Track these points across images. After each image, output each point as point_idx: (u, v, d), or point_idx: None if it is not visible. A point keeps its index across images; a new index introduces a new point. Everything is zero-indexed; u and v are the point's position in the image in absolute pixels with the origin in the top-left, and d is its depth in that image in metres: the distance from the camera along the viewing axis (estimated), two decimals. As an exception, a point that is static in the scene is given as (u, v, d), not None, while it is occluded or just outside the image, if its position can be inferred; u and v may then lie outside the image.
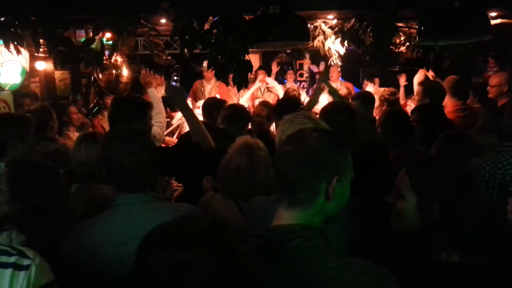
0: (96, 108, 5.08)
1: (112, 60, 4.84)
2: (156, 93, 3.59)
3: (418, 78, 5.02)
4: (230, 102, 6.16)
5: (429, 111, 3.37)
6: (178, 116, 5.41)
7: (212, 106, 3.70)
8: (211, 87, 6.28)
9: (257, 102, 5.50)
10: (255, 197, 1.84)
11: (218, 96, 5.33)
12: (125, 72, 5.01)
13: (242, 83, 2.88)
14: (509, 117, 2.00)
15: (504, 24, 4.29)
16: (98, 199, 2.03)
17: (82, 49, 3.25)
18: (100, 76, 4.91)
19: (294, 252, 1.02)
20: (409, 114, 3.44)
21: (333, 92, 3.34)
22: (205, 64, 6.28)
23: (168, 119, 5.22)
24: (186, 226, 0.99)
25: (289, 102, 3.60)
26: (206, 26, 2.88)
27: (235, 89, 6.54)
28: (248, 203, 1.87)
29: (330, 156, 1.09)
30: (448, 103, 4.09)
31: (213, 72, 6.21)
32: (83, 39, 3.56)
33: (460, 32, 3.36)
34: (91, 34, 3.02)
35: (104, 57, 4.64)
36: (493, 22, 4.03)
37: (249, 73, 2.99)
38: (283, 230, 1.06)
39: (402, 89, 5.77)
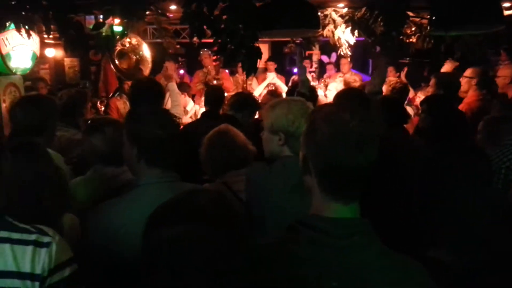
0: (118, 93, 5.09)
1: (128, 45, 4.80)
2: (176, 87, 3.63)
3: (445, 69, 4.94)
4: (233, 89, 6.24)
5: (438, 102, 3.34)
6: (191, 104, 5.46)
7: (212, 94, 3.73)
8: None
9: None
10: (256, 163, 1.89)
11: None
12: (146, 54, 4.95)
13: (251, 70, 2.87)
14: None
15: (516, 15, 4.22)
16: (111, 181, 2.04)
17: (92, 36, 3.25)
18: (118, 62, 4.89)
19: (353, 247, 0.98)
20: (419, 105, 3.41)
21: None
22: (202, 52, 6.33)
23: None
24: (186, 201, 1.01)
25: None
26: (216, 13, 2.87)
27: (240, 77, 6.61)
28: (249, 170, 1.91)
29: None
30: (471, 92, 4.05)
31: (212, 59, 6.31)
32: (91, 26, 3.57)
33: (472, 22, 3.32)
34: (101, 20, 3.02)
35: (119, 44, 4.66)
36: (506, 13, 3.98)
37: (259, 60, 2.98)
38: (342, 224, 1.00)
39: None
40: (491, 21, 3.43)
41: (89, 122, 2.52)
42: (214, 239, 0.93)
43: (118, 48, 4.85)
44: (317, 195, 1.03)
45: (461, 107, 3.86)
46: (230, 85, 6.40)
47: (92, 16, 4.44)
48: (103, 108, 5.47)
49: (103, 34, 3.26)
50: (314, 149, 1.01)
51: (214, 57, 6.39)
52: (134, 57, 5.03)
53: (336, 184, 1.00)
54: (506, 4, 3.87)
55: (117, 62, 4.94)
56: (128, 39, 4.88)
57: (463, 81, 4.17)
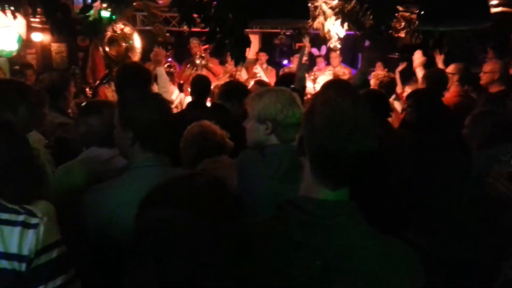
0: (107, 78, 5.04)
1: (119, 32, 4.76)
2: (164, 72, 3.59)
3: (417, 60, 4.96)
4: (222, 74, 6.23)
5: (424, 97, 3.38)
6: (176, 92, 5.43)
7: (198, 83, 3.72)
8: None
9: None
10: (247, 150, 1.92)
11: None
12: (137, 43, 4.93)
13: (240, 58, 2.86)
14: None
15: (504, 13, 4.27)
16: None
17: (80, 21, 3.21)
18: (108, 49, 4.84)
19: (338, 228, 1.01)
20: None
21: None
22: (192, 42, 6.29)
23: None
24: (179, 185, 1.00)
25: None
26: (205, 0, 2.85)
27: (229, 66, 6.60)
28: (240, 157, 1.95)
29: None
30: (452, 88, 4.11)
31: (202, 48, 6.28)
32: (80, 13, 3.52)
33: (461, 18, 3.36)
34: (89, 3, 2.98)
35: (110, 30, 4.61)
36: (493, 10, 4.02)
37: (248, 49, 2.98)
38: (327, 205, 1.02)
39: (397, 75, 5.76)
40: (478, 17, 3.47)
41: (84, 104, 2.49)
42: (198, 229, 0.92)
43: (109, 33, 4.80)
44: (308, 176, 1.06)
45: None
46: (220, 70, 6.38)
47: (81, 0, 4.39)
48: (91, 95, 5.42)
49: (90, 19, 3.21)
50: (310, 131, 1.03)
51: (204, 46, 6.36)
52: (124, 44, 4.99)
53: (326, 168, 1.02)
54: (494, 2, 3.91)
55: (107, 48, 4.90)
56: (120, 26, 4.84)
57: None
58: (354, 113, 0.98)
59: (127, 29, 4.92)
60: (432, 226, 1.37)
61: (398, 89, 5.33)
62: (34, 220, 1.17)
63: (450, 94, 4.09)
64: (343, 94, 1.03)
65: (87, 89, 5.50)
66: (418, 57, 4.65)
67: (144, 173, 1.54)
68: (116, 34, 4.89)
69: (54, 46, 7.82)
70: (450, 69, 4.19)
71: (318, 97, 1.05)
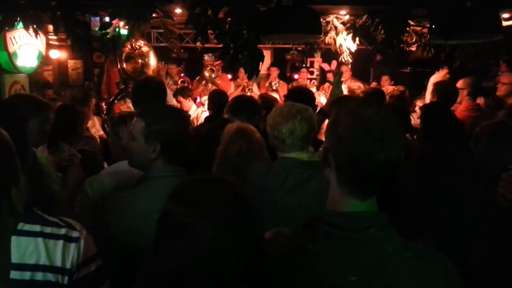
0: (122, 94, 5.16)
1: (137, 50, 4.90)
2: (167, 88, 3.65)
3: (435, 78, 4.99)
4: (230, 91, 6.32)
5: (431, 109, 3.40)
6: (194, 107, 5.53)
7: (215, 98, 3.78)
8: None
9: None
10: (255, 163, 1.93)
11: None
12: (152, 61, 5.07)
13: (254, 72, 2.93)
14: None
15: (516, 26, 4.29)
16: None
17: (97, 38, 3.32)
18: (125, 65, 4.98)
19: (369, 241, 0.98)
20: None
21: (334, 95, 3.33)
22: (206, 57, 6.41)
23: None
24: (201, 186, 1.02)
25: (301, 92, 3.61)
26: (220, 15, 2.93)
27: (241, 81, 6.70)
28: (248, 169, 1.95)
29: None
30: (463, 103, 4.11)
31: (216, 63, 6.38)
32: (97, 29, 3.64)
33: (471, 31, 3.39)
34: (108, 20, 3.08)
35: (128, 47, 4.75)
36: (505, 23, 4.05)
37: (261, 63, 3.04)
38: (356, 218, 0.99)
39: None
40: (489, 30, 3.50)
41: (115, 116, 2.57)
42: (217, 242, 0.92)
43: (127, 50, 4.94)
44: (335, 188, 1.04)
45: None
46: (228, 86, 6.47)
47: (98, 19, 4.54)
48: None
49: (108, 36, 3.32)
50: (335, 142, 1.01)
51: (217, 62, 6.47)
52: (140, 61, 5.12)
53: (354, 178, 1.00)
54: (505, 15, 3.94)
55: (124, 64, 5.03)
56: (138, 44, 4.98)
57: None
58: (380, 120, 0.97)
59: (145, 48, 5.06)
60: (440, 232, 1.38)
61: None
62: (75, 234, 1.18)
63: (460, 109, 4.08)
64: (366, 103, 1.03)
65: (103, 104, 5.62)
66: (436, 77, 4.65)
67: (162, 183, 1.56)
68: (133, 51, 5.02)
69: (71, 63, 8.01)
70: (460, 84, 4.20)
71: (341, 107, 1.05)
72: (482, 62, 4.46)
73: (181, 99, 5.40)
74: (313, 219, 1.04)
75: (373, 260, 0.96)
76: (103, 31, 3.03)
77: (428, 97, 4.16)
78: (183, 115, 1.70)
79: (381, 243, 0.98)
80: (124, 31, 4.04)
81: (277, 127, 1.84)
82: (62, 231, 1.16)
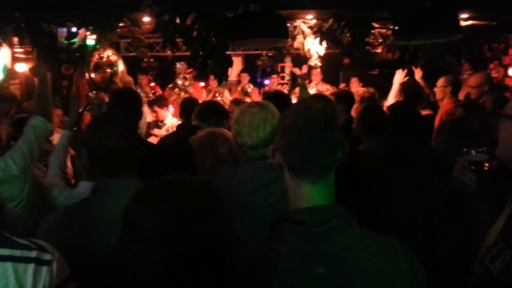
0: (89, 105, 5.09)
1: (105, 59, 4.86)
2: None
3: (397, 80, 5.12)
4: (206, 99, 6.33)
5: (399, 109, 3.50)
6: (169, 117, 5.51)
7: (187, 105, 3.78)
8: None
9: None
10: (222, 168, 1.92)
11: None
12: (121, 67, 5.03)
13: (223, 77, 2.96)
14: None
15: (475, 26, 4.48)
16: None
17: (64, 49, 3.29)
18: (93, 75, 4.92)
19: (331, 233, 1.01)
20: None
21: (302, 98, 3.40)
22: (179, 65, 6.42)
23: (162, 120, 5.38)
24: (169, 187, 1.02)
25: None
26: (188, 22, 2.96)
27: (213, 88, 6.72)
28: (215, 173, 1.96)
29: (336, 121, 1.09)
30: (445, 100, 4.20)
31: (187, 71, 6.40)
32: (65, 41, 3.60)
33: (432, 31, 3.53)
34: (74, 30, 3.06)
35: (96, 57, 4.72)
36: (464, 23, 4.23)
37: (230, 69, 3.08)
38: (317, 212, 1.02)
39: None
40: (449, 30, 3.65)
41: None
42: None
43: (95, 60, 4.89)
44: (289, 183, 1.08)
45: (439, 114, 4.02)
46: (200, 95, 6.47)
47: (65, 29, 4.49)
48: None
49: (75, 46, 3.29)
50: (279, 134, 1.08)
51: (189, 70, 6.47)
52: (108, 70, 5.08)
53: (296, 160, 1.05)
54: (464, 16, 4.11)
55: (92, 74, 4.98)
56: (106, 53, 4.94)
57: (438, 90, 4.34)
58: (321, 111, 1.04)
59: (113, 57, 5.02)
60: (401, 229, 1.43)
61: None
62: (46, 256, 1.12)
63: (446, 106, 4.16)
64: (310, 100, 1.11)
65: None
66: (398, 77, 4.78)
67: (110, 195, 1.56)
68: (101, 61, 4.98)
69: (39, 76, 7.85)
70: (441, 82, 4.31)
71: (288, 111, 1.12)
72: (445, 61, 4.62)
73: (157, 109, 5.38)
74: (277, 220, 1.07)
75: (337, 250, 1.00)
76: (69, 41, 3.01)
77: (391, 97, 4.27)
78: (125, 127, 1.62)
79: (343, 234, 1.01)
80: (91, 42, 4.01)
81: (241, 129, 1.85)
82: (33, 253, 1.10)
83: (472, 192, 1.35)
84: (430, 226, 1.83)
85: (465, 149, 1.37)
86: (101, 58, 4.79)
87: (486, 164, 1.36)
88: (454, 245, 1.81)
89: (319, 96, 3.70)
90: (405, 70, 4.31)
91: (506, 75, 7.26)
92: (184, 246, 0.91)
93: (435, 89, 4.29)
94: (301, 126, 1.04)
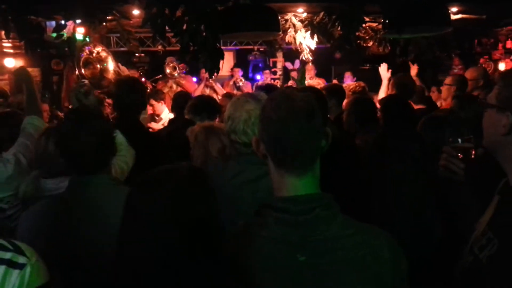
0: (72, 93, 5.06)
1: (95, 54, 4.83)
2: None
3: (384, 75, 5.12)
4: (193, 91, 6.31)
5: (390, 102, 3.52)
6: (166, 111, 5.48)
7: (179, 100, 3.77)
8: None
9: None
10: (211, 161, 1.91)
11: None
12: (110, 66, 5.01)
13: (214, 70, 2.94)
14: None
15: (465, 20, 4.50)
16: None
17: (54, 44, 3.25)
18: (83, 71, 4.89)
19: (315, 222, 1.01)
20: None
21: None
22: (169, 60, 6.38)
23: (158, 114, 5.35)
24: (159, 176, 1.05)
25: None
26: (178, 14, 2.93)
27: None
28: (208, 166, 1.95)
29: (321, 112, 1.07)
30: (449, 100, 4.20)
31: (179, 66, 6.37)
32: (54, 34, 3.57)
33: (422, 25, 3.54)
34: (62, 22, 3.03)
35: (86, 52, 4.69)
36: (454, 17, 4.24)
37: (221, 61, 3.06)
38: (301, 201, 1.03)
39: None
40: (439, 23, 3.67)
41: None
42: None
43: (85, 55, 4.86)
44: (274, 174, 1.08)
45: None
46: (191, 87, 6.44)
47: (53, 23, 4.44)
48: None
49: (64, 38, 3.25)
50: (263, 125, 1.07)
51: (181, 65, 6.43)
52: (98, 66, 5.05)
53: (280, 154, 1.04)
54: (454, 9, 4.13)
55: (82, 70, 4.94)
56: (98, 49, 4.91)
57: (443, 88, 4.36)
58: (300, 102, 1.03)
59: (103, 53, 4.99)
60: (388, 215, 1.44)
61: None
62: (21, 260, 1.04)
63: (448, 106, 4.17)
64: (291, 91, 1.09)
65: (59, 113, 5.48)
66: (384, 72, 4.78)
67: (80, 193, 1.56)
68: (91, 57, 4.95)
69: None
70: (448, 80, 4.32)
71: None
72: (435, 55, 4.64)
73: (154, 102, 5.33)
74: (262, 206, 1.07)
75: (320, 239, 1.00)
76: (58, 33, 2.97)
77: (382, 91, 4.28)
78: (92, 122, 1.58)
79: (327, 222, 1.02)
80: (79, 36, 3.97)
81: (236, 127, 1.83)
82: (8, 255, 1.04)
83: (460, 180, 1.36)
84: (422, 218, 1.84)
85: (451, 139, 1.38)
86: (91, 53, 4.75)
87: (473, 152, 1.37)
88: (442, 235, 1.82)
89: (308, 88, 3.71)
90: (386, 64, 4.32)
91: (496, 69, 7.32)
92: (180, 226, 0.96)
93: (441, 87, 4.29)
94: (284, 117, 1.02)
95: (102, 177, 1.59)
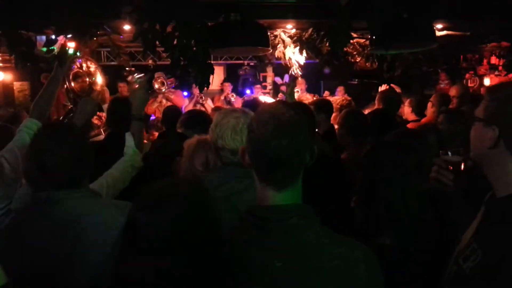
0: (70, 114, 5.04)
1: (84, 68, 4.85)
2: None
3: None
4: (182, 105, 6.33)
5: (377, 113, 3.59)
6: None
7: (169, 114, 3.79)
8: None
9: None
10: (210, 174, 1.90)
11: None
12: (99, 79, 5.03)
13: (204, 84, 2.97)
14: None
15: (450, 36, 4.61)
16: None
17: (43, 58, 3.25)
18: (72, 84, 4.90)
19: (291, 229, 1.05)
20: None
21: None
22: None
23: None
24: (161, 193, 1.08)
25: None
26: (169, 30, 2.97)
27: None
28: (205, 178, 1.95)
29: (307, 127, 1.10)
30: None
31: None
32: (44, 49, 3.57)
33: (408, 41, 3.62)
34: (53, 37, 3.04)
35: (76, 66, 4.70)
36: (439, 33, 4.34)
37: (211, 76, 3.09)
38: (280, 210, 1.07)
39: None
40: (425, 39, 3.75)
41: None
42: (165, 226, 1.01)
43: (75, 69, 4.88)
44: (257, 183, 1.12)
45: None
46: (181, 101, 6.46)
47: (44, 37, 4.45)
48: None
49: (54, 53, 3.26)
50: (248, 137, 1.12)
51: (170, 80, 6.45)
52: (87, 80, 5.06)
53: (265, 168, 1.08)
54: (439, 26, 4.22)
55: (72, 83, 4.95)
56: (88, 64, 4.93)
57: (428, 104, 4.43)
58: (282, 115, 1.06)
59: (93, 67, 5.03)
60: (391, 227, 1.46)
61: None
62: None
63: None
64: (277, 105, 1.12)
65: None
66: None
67: (57, 206, 1.54)
68: (81, 70, 4.97)
69: (17, 85, 7.73)
70: (453, 92, 4.39)
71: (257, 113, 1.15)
72: (422, 71, 4.73)
73: None
74: (245, 212, 1.11)
75: (295, 246, 1.04)
76: (48, 48, 2.98)
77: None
78: (65, 138, 1.56)
79: (303, 231, 1.06)
80: (70, 51, 3.97)
81: (224, 133, 1.83)
82: None
83: (450, 192, 1.39)
84: (416, 229, 1.84)
85: (442, 151, 1.42)
86: (81, 67, 4.78)
87: (463, 164, 1.41)
88: (434, 247, 1.83)
89: (297, 103, 3.76)
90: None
91: (481, 84, 7.47)
92: (183, 245, 1.00)
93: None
94: (268, 134, 1.05)
95: (77, 191, 1.56)
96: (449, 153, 1.43)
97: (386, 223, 1.51)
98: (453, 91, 4.67)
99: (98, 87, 5.11)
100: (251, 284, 1.03)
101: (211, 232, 1.05)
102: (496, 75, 7.36)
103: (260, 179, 1.10)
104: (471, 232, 1.26)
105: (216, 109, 4.14)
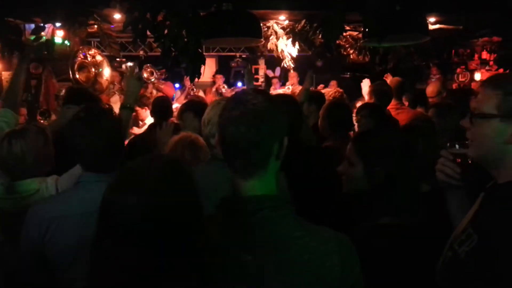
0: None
1: (90, 59, 4.78)
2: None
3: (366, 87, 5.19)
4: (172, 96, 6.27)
5: (369, 107, 3.57)
6: (150, 118, 5.43)
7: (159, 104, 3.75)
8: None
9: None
10: (197, 167, 1.88)
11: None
12: (106, 71, 4.96)
13: (195, 75, 2.94)
14: None
15: (442, 30, 4.61)
16: None
17: (33, 47, 3.19)
18: (77, 75, 4.83)
19: (261, 222, 1.02)
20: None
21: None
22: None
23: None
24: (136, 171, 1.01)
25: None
26: (159, 19, 2.92)
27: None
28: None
29: (279, 115, 1.07)
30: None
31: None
32: (33, 37, 3.51)
33: (401, 34, 3.61)
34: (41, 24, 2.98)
35: (80, 57, 4.63)
36: (432, 27, 4.34)
37: (203, 66, 3.05)
38: (249, 201, 1.04)
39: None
40: (418, 32, 3.75)
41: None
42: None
43: (79, 60, 4.81)
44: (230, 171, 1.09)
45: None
46: (171, 91, 6.41)
47: (32, 26, 4.38)
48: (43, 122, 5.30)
49: (42, 40, 3.20)
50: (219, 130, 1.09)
51: (161, 71, 6.40)
52: (93, 70, 5.00)
53: (224, 155, 1.07)
54: (432, 19, 4.22)
55: (76, 74, 4.89)
56: (91, 53, 4.87)
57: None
58: (252, 105, 1.02)
59: (98, 57, 4.95)
60: (397, 207, 1.47)
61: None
62: None
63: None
64: (246, 97, 1.07)
65: (38, 117, 5.38)
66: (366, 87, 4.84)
67: (87, 188, 1.59)
68: (86, 61, 4.89)
69: (5, 75, 7.56)
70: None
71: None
72: (414, 65, 4.73)
73: (137, 108, 5.29)
74: (220, 201, 1.08)
75: (266, 239, 1.01)
76: (36, 36, 2.92)
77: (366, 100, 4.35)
78: (101, 121, 1.61)
79: (274, 223, 1.03)
80: (58, 40, 3.91)
81: (212, 128, 1.82)
82: None
83: (456, 185, 1.37)
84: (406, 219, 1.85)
85: (448, 143, 1.39)
86: (86, 57, 4.71)
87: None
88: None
89: (283, 94, 3.74)
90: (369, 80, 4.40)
91: (472, 79, 7.50)
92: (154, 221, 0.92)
93: None
94: (230, 120, 1.03)
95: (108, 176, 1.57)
96: (457, 145, 1.38)
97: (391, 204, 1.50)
98: (429, 92, 4.68)
99: (104, 78, 5.05)
100: (222, 275, 1.00)
101: (186, 217, 0.97)
102: (487, 70, 7.38)
103: (228, 166, 1.08)
104: (467, 219, 1.25)
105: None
